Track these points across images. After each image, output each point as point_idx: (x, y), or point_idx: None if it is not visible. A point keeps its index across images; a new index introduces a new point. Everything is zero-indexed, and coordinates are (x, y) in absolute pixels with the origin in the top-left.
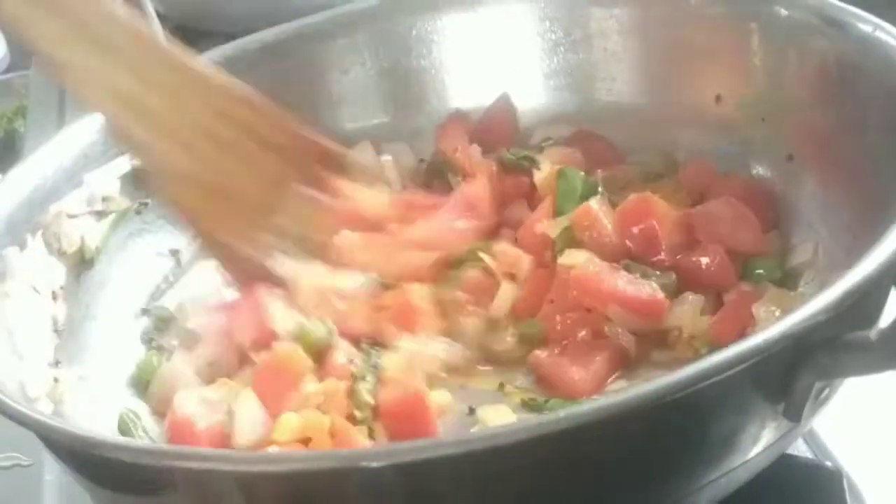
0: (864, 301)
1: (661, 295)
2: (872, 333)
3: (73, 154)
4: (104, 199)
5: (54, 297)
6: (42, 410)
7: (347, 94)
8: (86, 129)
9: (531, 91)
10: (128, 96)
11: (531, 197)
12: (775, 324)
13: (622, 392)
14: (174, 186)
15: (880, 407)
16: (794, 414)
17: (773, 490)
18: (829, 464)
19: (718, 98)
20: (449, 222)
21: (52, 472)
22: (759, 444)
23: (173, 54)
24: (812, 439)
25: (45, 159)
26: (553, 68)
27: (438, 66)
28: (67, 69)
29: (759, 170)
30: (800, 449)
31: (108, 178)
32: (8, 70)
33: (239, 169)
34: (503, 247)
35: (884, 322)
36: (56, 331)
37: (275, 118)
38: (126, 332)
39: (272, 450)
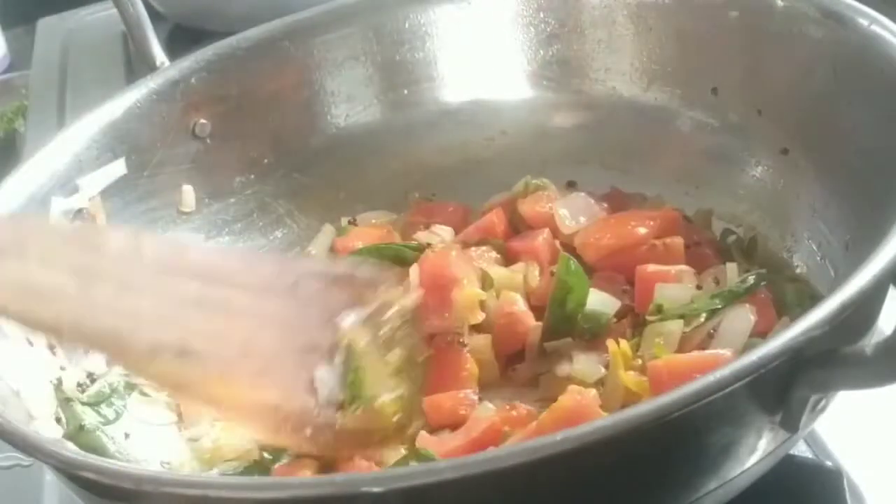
0: (860, 313)
1: None
2: (868, 348)
3: (66, 160)
4: (91, 200)
5: None
6: (42, 431)
7: (341, 89)
8: (80, 133)
9: (525, 83)
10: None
11: None
12: (773, 339)
13: (620, 413)
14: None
15: (880, 407)
16: (792, 424)
17: (773, 490)
18: (829, 464)
19: (714, 90)
20: None
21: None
22: (756, 453)
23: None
24: (812, 439)
25: (39, 167)
26: (547, 59)
27: (432, 58)
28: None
29: (755, 163)
30: (800, 449)
31: (102, 181)
32: (8, 70)
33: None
34: None
35: (883, 325)
36: (50, 345)
37: (264, 266)
38: None
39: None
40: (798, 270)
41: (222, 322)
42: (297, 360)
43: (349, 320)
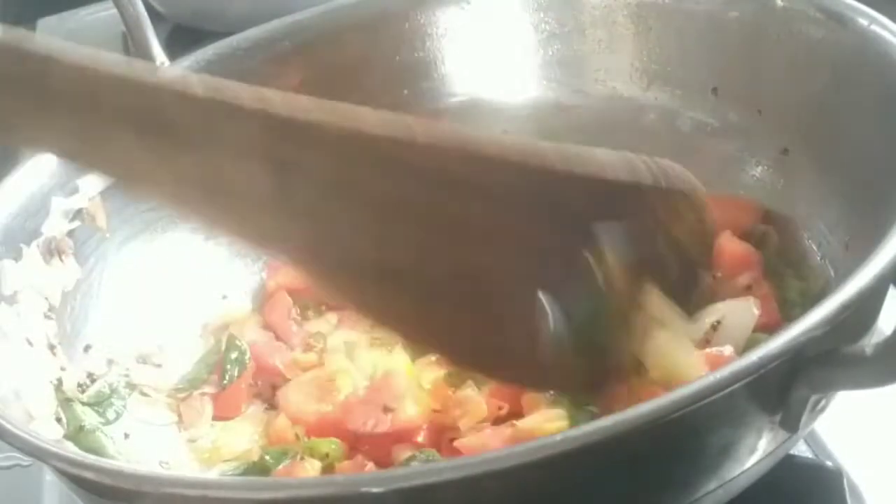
0: (860, 313)
1: None
2: (868, 348)
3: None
4: (91, 200)
5: (51, 308)
6: (42, 431)
7: (341, 89)
8: None
9: (525, 83)
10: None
11: None
12: (773, 339)
13: (621, 413)
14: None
15: (880, 407)
16: (792, 424)
17: (773, 490)
18: (829, 464)
19: (714, 90)
20: None
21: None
22: (756, 453)
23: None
24: (812, 439)
25: (39, 167)
26: (547, 60)
27: (432, 58)
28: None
29: (755, 163)
30: (800, 449)
31: (102, 182)
32: None
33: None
34: None
35: (883, 325)
36: (50, 345)
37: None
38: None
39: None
40: (798, 269)
41: (434, 235)
42: (522, 282)
43: (604, 237)
